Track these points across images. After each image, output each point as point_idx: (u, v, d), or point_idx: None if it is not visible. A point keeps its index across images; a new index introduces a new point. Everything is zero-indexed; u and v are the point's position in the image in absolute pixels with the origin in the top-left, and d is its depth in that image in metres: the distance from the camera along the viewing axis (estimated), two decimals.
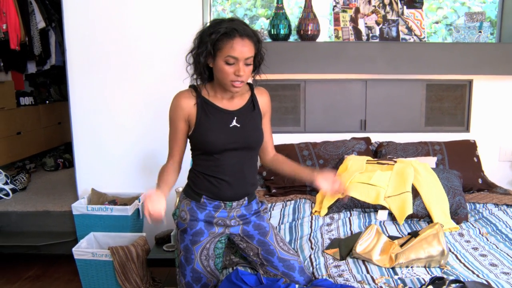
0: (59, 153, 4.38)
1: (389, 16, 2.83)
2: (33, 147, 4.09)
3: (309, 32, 2.69)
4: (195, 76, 1.53)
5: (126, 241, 2.51)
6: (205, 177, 1.56)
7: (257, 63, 1.52)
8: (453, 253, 1.83)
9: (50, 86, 4.75)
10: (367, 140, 2.79)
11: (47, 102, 4.51)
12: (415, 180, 2.23)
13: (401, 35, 2.82)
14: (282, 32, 2.70)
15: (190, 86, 1.57)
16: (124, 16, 2.72)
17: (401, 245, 1.74)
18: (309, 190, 2.56)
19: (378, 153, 2.74)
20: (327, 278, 1.60)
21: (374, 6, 2.84)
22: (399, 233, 2.05)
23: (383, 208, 2.20)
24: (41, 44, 3.86)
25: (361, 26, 2.82)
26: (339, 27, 2.81)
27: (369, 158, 2.48)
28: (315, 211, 2.29)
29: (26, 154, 4.01)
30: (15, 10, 3.40)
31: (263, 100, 1.63)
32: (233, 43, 1.40)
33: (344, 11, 2.83)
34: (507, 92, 2.93)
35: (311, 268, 1.73)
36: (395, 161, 2.38)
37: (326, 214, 2.25)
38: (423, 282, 1.51)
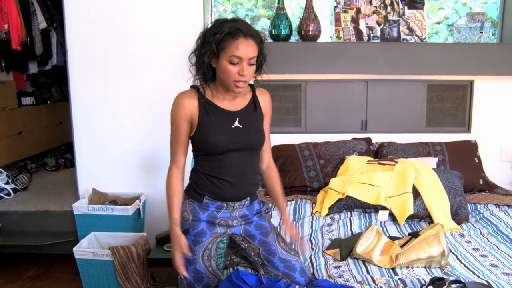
0: (60, 153, 4.39)
1: (390, 17, 2.82)
2: (34, 147, 4.10)
3: (310, 33, 2.70)
4: (197, 77, 1.53)
5: (127, 241, 2.52)
6: (207, 178, 1.56)
7: (259, 64, 1.52)
8: (453, 253, 1.82)
9: (51, 86, 4.76)
10: (368, 140, 2.79)
11: (49, 102, 4.52)
12: (416, 181, 2.23)
13: (402, 36, 2.81)
14: (283, 32, 2.70)
15: (191, 87, 1.57)
16: (125, 17, 2.73)
17: (402, 246, 1.74)
18: (310, 191, 2.56)
19: (379, 153, 2.74)
20: (327, 278, 1.61)
21: (375, 6, 2.83)
22: (400, 233, 2.05)
23: (384, 208, 2.20)
24: (43, 44, 3.87)
25: (362, 26, 2.82)
26: (340, 27, 2.81)
27: (370, 158, 2.49)
28: (316, 212, 2.29)
29: (28, 154, 4.01)
30: (17, 11, 3.40)
31: (265, 101, 1.63)
32: (237, 42, 1.40)
33: (345, 11, 2.83)
34: (508, 92, 2.92)
35: (311, 269, 1.73)
36: (396, 162, 2.38)
37: (327, 215, 2.25)
38: (423, 282, 1.51)
